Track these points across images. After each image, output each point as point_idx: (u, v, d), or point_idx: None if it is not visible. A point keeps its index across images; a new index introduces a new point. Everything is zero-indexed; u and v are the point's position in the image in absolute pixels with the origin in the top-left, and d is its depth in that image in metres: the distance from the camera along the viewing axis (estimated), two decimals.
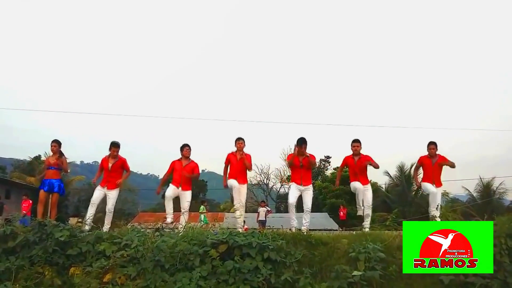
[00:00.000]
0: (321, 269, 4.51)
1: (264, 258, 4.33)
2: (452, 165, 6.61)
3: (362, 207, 6.62)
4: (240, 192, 6.58)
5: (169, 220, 6.42)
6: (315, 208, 27.19)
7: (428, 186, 6.63)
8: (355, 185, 6.60)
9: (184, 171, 6.65)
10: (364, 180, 6.67)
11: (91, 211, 6.33)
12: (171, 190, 6.63)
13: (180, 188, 6.63)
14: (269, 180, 36.53)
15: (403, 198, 24.41)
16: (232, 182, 6.53)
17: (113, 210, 6.56)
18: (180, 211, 6.68)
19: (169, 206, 6.61)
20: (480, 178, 24.25)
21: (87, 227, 5.50)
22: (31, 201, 12.95)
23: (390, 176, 26.95)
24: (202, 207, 14.70)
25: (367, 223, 6.51)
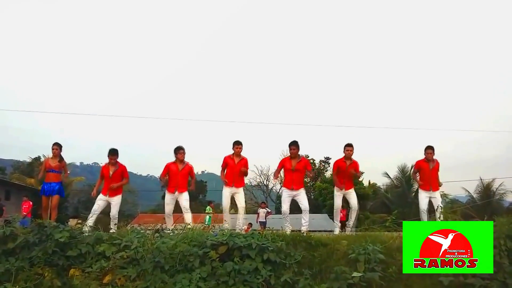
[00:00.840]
0: (320, 270, 4.51)
1: (263, 259, 4.33)
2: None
3: (339, 224, 6.95)
4: (238, 197, 6.63)
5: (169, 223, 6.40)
6: (315, 209, 27.23)
7: (420, 201, 6.70)
8: (337, 202, 6.84)
9: (180, 175, 6.64)
10: (350, 184, 6.81)
11: (91, 221, 6.21)
12: (169, 202, 6.60)
13: (176, 192, 6.60)
14: (268, 181, 36.53)
15: (403, 199, 24.39)
16: (224, 193, 6.61)
17: (117, 216, 6.55)
18: (180, 211, 6.69)
19: (170, 222, 6.52)
20: (481, 179, 24.29)
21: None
22: (31, 203, 12.95)
23: (390, 177, 26.98)
24: (208, 207, 14.61)
25: (350, 223, 6.78)
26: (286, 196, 6.43)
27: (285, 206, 6.39)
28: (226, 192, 6.62)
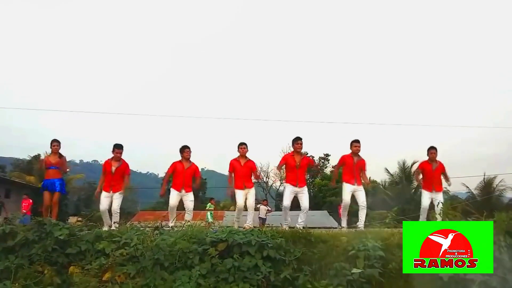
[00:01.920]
0: (320, 267, 4.51)
1: (263, 256, 4.34)
2: (447, 179, 6.72)
3: (345, 225, 6.72)
4: (249, 198, 6.57)
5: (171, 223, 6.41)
6: (315, 206, 27.23)
7: (422, 200, 6.68)
8: (346, 198, 6.53)
9: (186, 174, 6.61)
10: (360, 180, 6.63)
11: (106, 220, 6.40)
12: (175, 198, 6.56)
13: (183, 191, 6.59)
14: (268, 178, 36.52)
15: (403, 196, 24.39)
16: (238, 195, 6.53)
17: (119, 211, 6.53)
18: (181, 209, 6.68)
19: (173, 216, 6.51)
20: (484, 175, 24.28)
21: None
22: (31, 201, 12.96)
23: (390, 173, 26.98)
24: (209, 204, 14.61)
25: (361, 222, 6.47)
26: (290, 192, 6.34)
27: (287, 201, 6.32)
28: (240, 194, 6.53)
